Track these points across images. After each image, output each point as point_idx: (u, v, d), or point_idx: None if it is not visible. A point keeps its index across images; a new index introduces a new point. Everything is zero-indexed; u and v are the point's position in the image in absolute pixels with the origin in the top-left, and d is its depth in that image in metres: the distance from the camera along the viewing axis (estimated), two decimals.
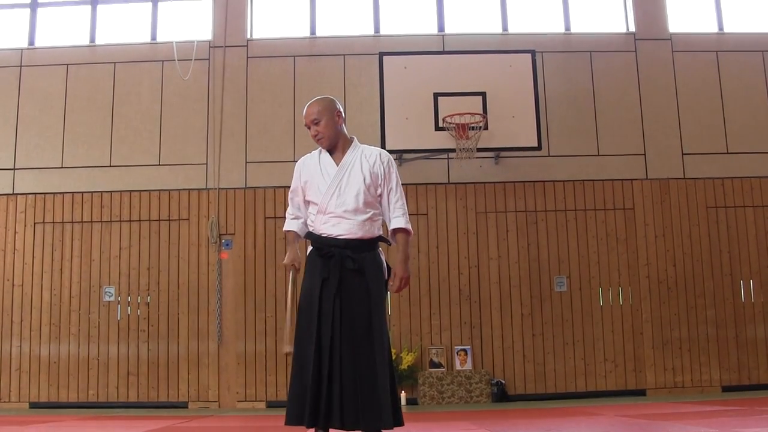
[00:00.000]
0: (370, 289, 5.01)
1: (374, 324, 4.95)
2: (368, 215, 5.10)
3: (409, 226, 5.21)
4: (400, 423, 4.97)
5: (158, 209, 12.22)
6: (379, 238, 5.19)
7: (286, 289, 5.27)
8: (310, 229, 5.19)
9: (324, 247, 5.07)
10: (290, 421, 4.87)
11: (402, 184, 5.32)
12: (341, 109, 5.24)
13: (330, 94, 5.37)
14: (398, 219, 5.18)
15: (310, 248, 5.21)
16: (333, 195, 5.07)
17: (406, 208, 5.24)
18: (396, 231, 5.19)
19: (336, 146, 5.21)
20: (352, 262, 5.00)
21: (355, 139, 5.28)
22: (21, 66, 12.71)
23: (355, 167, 5.14)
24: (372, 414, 4.79)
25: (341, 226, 5.06)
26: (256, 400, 11.70)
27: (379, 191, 5.16)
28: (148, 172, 12.37)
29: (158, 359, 11.86)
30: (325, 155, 5.22)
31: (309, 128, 5.21)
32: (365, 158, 5.17)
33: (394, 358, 11.12)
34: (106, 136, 12.47)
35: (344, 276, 4.97)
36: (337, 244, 5.05)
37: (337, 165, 5.15)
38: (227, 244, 12.12)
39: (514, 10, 13.09)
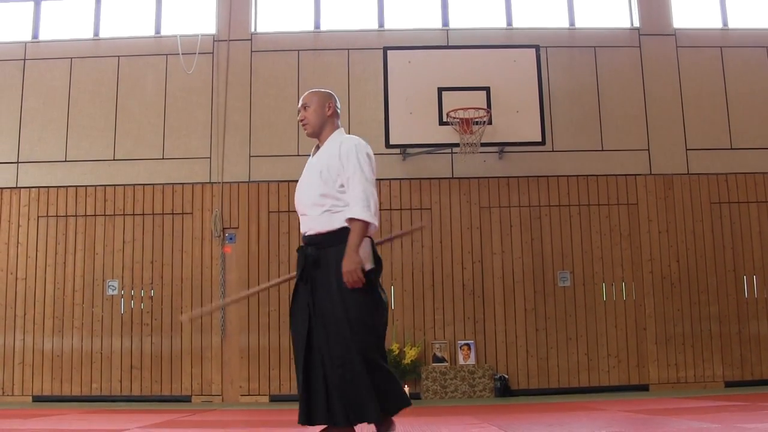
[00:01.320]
0: (337, 281, 4.85)
1: (339, 316, 4.82)
2: (324, 208, 4.95)
3: (365, 216, 4.82)
4: (370, 418, 4.81)
5: (162, 203, 12.23)
6: (345, 230, 4.94)
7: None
8: None
9: (300, 248, 5.09)
10: (299, 420, 4.94)
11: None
12: (336, 104, 5.19)
13: (334, 89, 5.35)
14: (350, 208, 4.89)
15: None
16: (298, 192, 5.12)
17: (369, 196, 4.87)
18: (349, 220, 4.89)
19: (321, 138, 5.16)
20: (312, 259, 4.94)
21: (341, 131, 5.19)
22: (25, 59, 12.72)
23: (314, 158, 5.13)
24: (335, 408, 4.79)
25: (306, 224, 5.04)
26: (259, 394, 11.71)
27: (339, 181, 4.96)
28: (152, 166, 12.38)
29: (161, 353, 11.88)
30: (315, 150, 5.23)
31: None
32: (333, 148, 5.05)
33: (397, 352, 11.21)
34: (109, 130, 12.48)
35: (311, 273, 4.93)
36: (306, 242, 5.03)
37: None
38: (231, 238, 12.13)
39: (518, 5, 13.07)
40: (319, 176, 4.96)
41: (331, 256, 4.87)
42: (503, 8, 13.04)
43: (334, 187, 4.94)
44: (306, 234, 5.02)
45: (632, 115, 12.60)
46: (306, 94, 5.24)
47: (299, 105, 5.21)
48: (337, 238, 4.89)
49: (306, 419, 4.86)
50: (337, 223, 4.92)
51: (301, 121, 5.19)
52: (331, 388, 4.79)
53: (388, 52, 11.74)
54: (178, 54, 12.40)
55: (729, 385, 11.82)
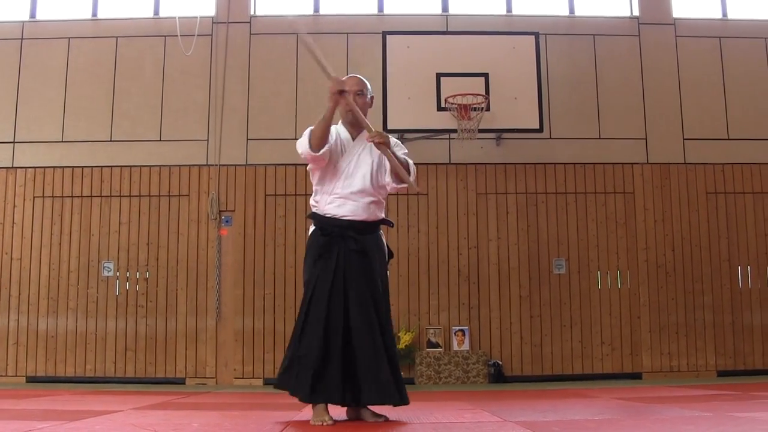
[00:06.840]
0: (374, 269, 5.04)
1: (378, 303, 4.98)
2: (373, 198, 5.14)
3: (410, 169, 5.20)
4: (405, 401, 5.05)
5: (158, 185, 12.22)
6: (382, 221, 5.21)
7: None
8: (314, 209, 5.20)
9: (327, 228, 5.08)
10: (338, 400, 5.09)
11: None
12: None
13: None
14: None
15: (312, 228, 5.21)
16: (351, 176, 5.12)
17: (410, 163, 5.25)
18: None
19: (359, 126, 5.23)
20: (354, 242, 5.01)
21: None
22: (22, 39, 12.67)
23: (365, 149, 5.17)
24: (376, 390, 4.89)
25: (345, 207, 5.08)
26: (253, 378, 11.73)
27: (387, 178, 5.17)
28: (149, 148, 12.35)
29: (156, 335, 11.89)
30: (344, 131, 5.25)
31: (342, 95, 5.17)
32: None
33: None
34: (107, 111, 12.44)
35: (347, 256, 4.99)
36: (340, 225, 5.06)
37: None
38: (227, 221, 12.13)
39: None
40: (371, 166, 5.16)
41: (370, 243, 5.12)
42: None
43: (382, 181, 5.18)
44: (344, 217, 5.09)
45: (630, 103, 12.60)
46: (358, 80, 5.35)
47: (351, 87, 5.25)
48: (377, 227, 5.24)
49: (341, 399, 4.97)
50: (380, 213, 5.23)
51: (351, 110, 5.20)
52: (388, 370, 4.95)
53: (387, 36, 11.71)
54: (177, 36, 12.33)
55: (721, 374, 11.86)
